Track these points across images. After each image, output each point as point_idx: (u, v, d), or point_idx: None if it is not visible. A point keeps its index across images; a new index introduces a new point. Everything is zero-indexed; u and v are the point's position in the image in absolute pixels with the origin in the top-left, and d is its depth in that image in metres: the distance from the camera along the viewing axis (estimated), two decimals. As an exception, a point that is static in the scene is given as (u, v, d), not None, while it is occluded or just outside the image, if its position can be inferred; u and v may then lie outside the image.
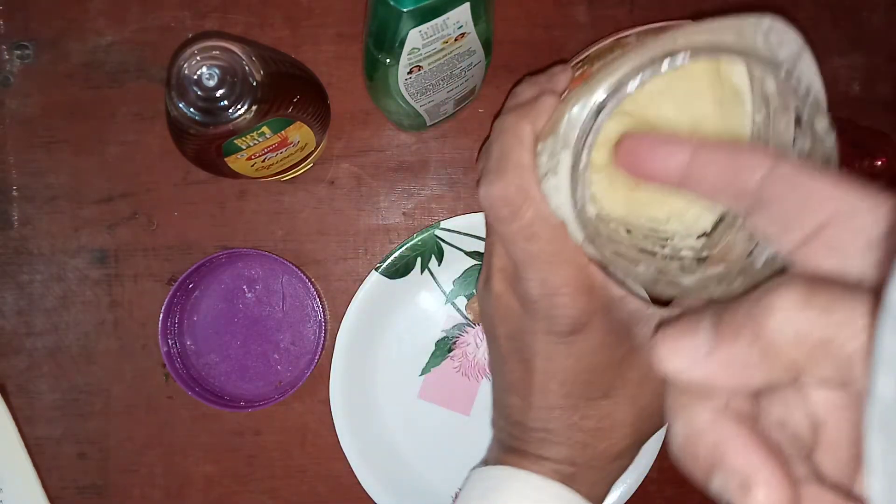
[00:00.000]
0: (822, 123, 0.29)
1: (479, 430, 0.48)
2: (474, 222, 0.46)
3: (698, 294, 0.31)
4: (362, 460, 0.46)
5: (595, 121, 0.29)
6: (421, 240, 0.46)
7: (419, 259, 0.47)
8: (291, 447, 0.48)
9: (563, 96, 0.34)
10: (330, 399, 0.46)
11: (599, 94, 0.29)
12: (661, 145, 0.25)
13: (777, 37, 0.30)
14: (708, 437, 0.19)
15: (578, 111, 0.30)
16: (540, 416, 0.34)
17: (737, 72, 0.35)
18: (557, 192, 0.32)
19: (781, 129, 0.32)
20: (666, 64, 0.28)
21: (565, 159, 0.32)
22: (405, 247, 0.46)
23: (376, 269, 0.46)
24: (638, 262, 0.33)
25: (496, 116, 0.36)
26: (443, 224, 0.46)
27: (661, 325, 0.26)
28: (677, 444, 0.20)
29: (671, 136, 0.25)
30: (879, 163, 0.44)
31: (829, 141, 0.29)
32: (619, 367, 0.34)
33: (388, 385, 0.48)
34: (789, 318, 0.17)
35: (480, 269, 0.46)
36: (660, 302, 0.34)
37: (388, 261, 0.46)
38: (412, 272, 0.47)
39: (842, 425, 0.19)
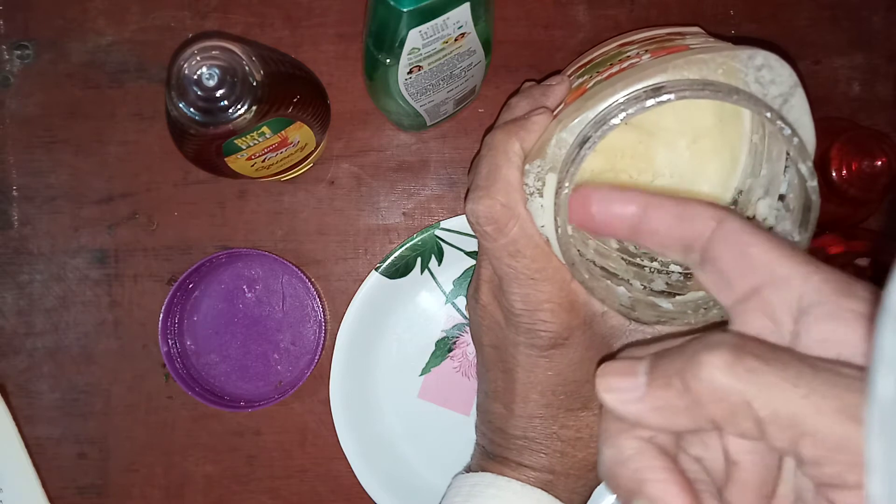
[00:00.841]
0: (805, 167, 0.29)
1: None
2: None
3: (675, 319, 0.32)
4: (362, 460, 0.46)
5: (579, 151, 0.30)
6: (421, 240, 0.46)
7: (419, 259, 0.47)
8: (291, 447, 0.48)
9: (556, 112, 0.35)
10: (330, 398, 0.46)
11: (583, 120, 0.30)
12: (613, 199, 0.26)
13: (769, 74, 0.30)
14: (631, 465, 0.21)
15: (566, 137, 0.31)
16: (520, 425, 0.35)
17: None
18: (542, 212, 0.33)
19: (774, 155, 0.32)
20: (652, 102, 0.28)
21: (551, 182, 0.32)
22: (405, 247, 0.46)
23: (376, 269, 0.46)
24: (621, 280, 0.33)
25: (489, 129, 0.37)
26: (443, 224, 0.46)
27: (605, 359, 0.29)
28: (605, 467, 0.22)
29: (623, 190, 0.26)
30: (879, 163, 0.44)
31: (812, 183, 0.29)
32: None
33: (388, 385, 0.48)
34: (715, 377, 0.19)
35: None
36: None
37: (388, 261, 0.46)
38: (412, 272, 0.47)
39: (753, 468, 0.22)
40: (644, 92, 0.29)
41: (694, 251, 0.24)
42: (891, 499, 0.15)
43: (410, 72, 0.37)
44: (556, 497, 0.34)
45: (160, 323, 0.45)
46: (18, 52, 0.49)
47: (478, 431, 0.39)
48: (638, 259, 0.34)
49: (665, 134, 0.35)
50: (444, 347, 0.48)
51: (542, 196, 0.33)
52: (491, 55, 0.41)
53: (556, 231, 0.31)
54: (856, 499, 0.18)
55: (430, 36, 0.34)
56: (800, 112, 0.31)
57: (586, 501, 0.36)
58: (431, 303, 0.48)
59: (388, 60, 0.35)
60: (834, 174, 0.45)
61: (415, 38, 0.33)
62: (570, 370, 0.34)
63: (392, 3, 0.31)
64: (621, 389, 0.21)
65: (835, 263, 0.43)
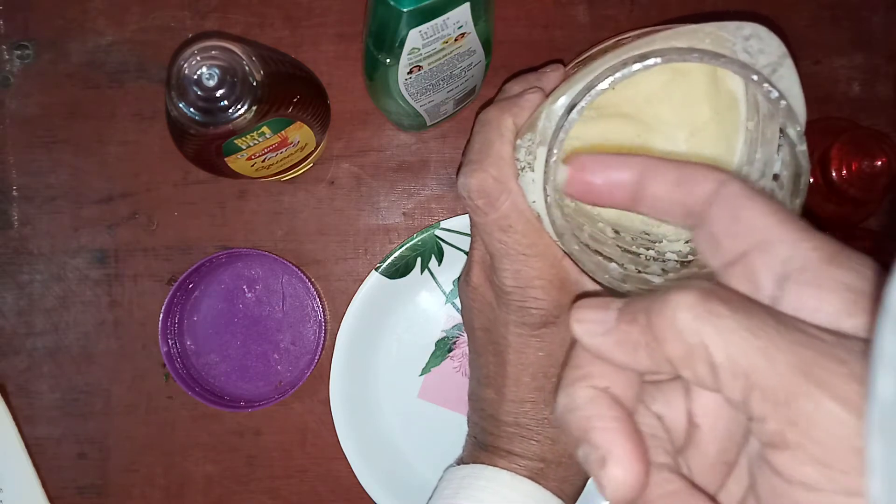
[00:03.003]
0: (794, 131, 0.29)
1: None
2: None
3: None
4: (362, 460, 0.46)
5: (567, 118, 0.30)
6: (421, 240, 0.46)
7: (419, 259, 0.47)
8: (291, 447, 0.48)
9: (549, 94, 0.35)
10: (330, 398, 0.46)
11: (573, 92, 0.30)
12: (610, 164, 0.25)
13: (758, 43, 0.30)
14: (582, 412, 0.21)
15: (556, 109, 0.31)
16: (511, 410, 0.35)
17: (733, 79, 0.35)
18: (534, 186, 0.33)
19: (769, 136, 0.32)
20: (638, 66, 0.28)
21: (541, 155, 0.32)
22: (405, 247, 0.46)
23: (376, 269, 0.46)
24: (613, 260, 0.33)
25: (482, 107, 0.37)
26: (443, 224, 0.46)
27: (584, 295, 0.29)
28: (557, 412, 0.22)
29: (620, 155, 0.25)
30: (879, 163, 0.44)
31: (801, 147, 0.29)
32: None
33: (388, 385, 0.48)
34: (677, 315, 0.19)
35: None
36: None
37: (388, 261, 0.46)
38: (412, 272, 0.47)
39: (715, 433, 0.21)
40: (631, 58, 0.29)
41: (694, 215, 0.23)
42: (891, 499, 0.15)
43: (410, 72, 0.37)
44: (547, 485, 0.34)
45: (160, 323, 0.45)
46: (18, 52, 0.49)
47: (469, 422, 0.39)
48: (633, 247, 0.34)
49: (664, 127, 0.36)
50: (444, 347, 0.48)
51: (533, 170, 0.33)
52: (491, 55, 0.41)
53: (546, 200, 0.31)
54: (791, 460, 0.18)
55: (430, 36, 0.34)
56: (789, 82, 0.31)
57: (578, 490, 0.36)
58: (431, 303, 0.48)
59: (388, 60, 0.35)
60: (834, 174, 0.45)
61: (415, 38, 0.33)
62: (561, 350, 0.34)
63: (392, 3, 0.31)
64: (592, 321, 0.21)
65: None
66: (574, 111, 0.30)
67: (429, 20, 0.32)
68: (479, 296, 0.36)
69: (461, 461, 0.37)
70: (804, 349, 0.18)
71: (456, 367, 0.48)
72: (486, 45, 0.38)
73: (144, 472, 0.48)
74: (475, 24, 0.35)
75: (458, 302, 0.48)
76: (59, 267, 0.49)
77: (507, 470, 0.34)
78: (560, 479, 0.35)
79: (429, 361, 0.48)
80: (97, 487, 0.48)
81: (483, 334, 0.36)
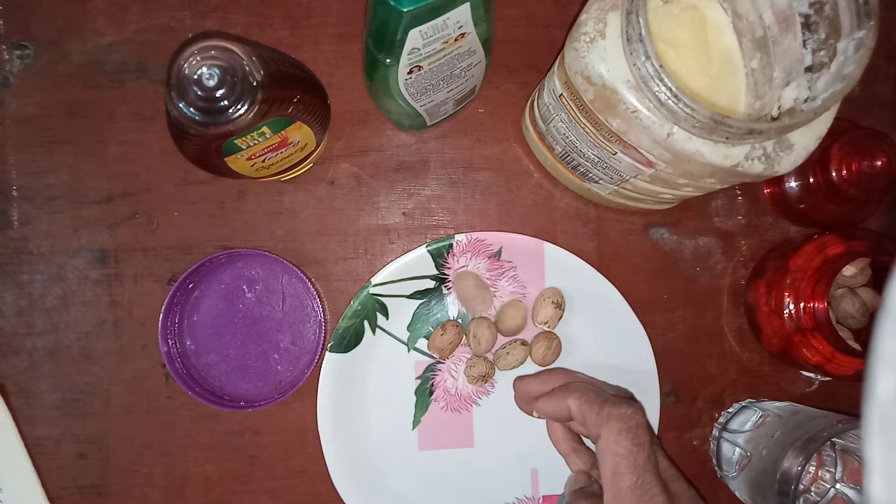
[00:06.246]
0: None
1: (489, 455, 0.48)
2: (403, 265, 0.46)
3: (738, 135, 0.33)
4: None
5: None
6: (359, 304, 0.46)
7: (366, 322, 0.47)
8: (291, 447, 0.48)
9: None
10: (332, 479, 0.46)
11: None
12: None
13: None
14: (555, 436, 0.46)
15: None
16: None
17: (724, 34, 0.39)
18: (606, 54, 0.34)
19: (787, 45, 0.36)
20: None
21: (613, 21, 0.34)
22: (346, 317, 0.46)
23: (329, 349, 0.46)
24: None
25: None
26: (373, 280, 0.46)
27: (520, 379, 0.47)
28: (551, 439, 0.46)
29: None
30: (879, 163, 0.44)
31: None
32: None
33: (386, 450, 0.47)
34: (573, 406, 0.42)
35: (428, 306, 0.47)
36: None
37: (336, 336, 0.46)
38: (364, 337, 0.47)
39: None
40: None
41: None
42: (891, 499, 0.14)
43: (410, 72, 0.37)
44: None
45: (160, 323, 0.45)
46: (18, 52, 0.49)
47: None
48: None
49: (690, 55, 0.39)
50: (425, 393, 0.48)
51: (604, 38, 0.34)
52: (491, 55, 0.41)
53: (630, 45, 0.33)
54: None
55: (430, 36, 0.34)
56: None
57: None
58: (395, 357, 0.47)
59: (388, 60, 0.35)
60: (834, 174, 0.45)
61: (415, 38, 0.33)
62: None
63: (392, 3, 0.31)
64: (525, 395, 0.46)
65: (836, 264, 0.43)
66: None
67: (429, 20, 0.32)
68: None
69: None
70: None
71: (443, 407, 0.48)
72: (486, 45, 0.38)
73: (144, 472, 0.48)
74: (475, 24, 0.35)
75: (419, 345, 0.48)
76: (59, 267, 0.49)
77: None
78: None
79: (416, 413, 0.48)
80: (97, 487, 0.48)
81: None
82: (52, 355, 0.48)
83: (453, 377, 0.48)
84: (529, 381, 0.45)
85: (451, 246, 0.46)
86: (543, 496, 0.48)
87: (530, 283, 0.48)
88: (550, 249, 0.47)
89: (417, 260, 0.46)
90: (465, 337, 0.47)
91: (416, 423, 0.48)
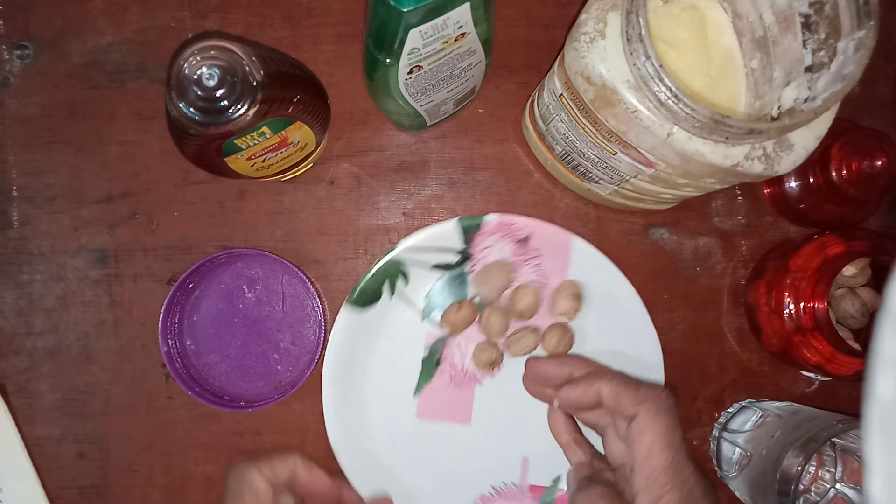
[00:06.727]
0: None
1: (483, 435, 0.48)
2: (432, 235, 0.46)
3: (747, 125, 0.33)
4: (367, 485, 0.46)
5: None
6: (383, 265, 0.46)
7: (386, 283, 0.47)
8: (291, 447, 0.48)
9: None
10: (330, 441, 0.46)
11: None
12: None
13: None
14: (555, 426, 0.46)
15: None
16: None
17: (724, 34, 0.39)
18: (606, 54, 0.34)
19: (787, 45, 0.36)
20: None
21: (613, 20, 0.34)
22: (369, 275, 0.46)
23: (346, 302, 0.46)
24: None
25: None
26: (401, 244, 0.46)
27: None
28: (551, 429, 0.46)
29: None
30: (879, 163, 0.44)
31: None
32: None
33: (385, 412, 0.47)
34: (605, 391, 0.41)
35: (449, 281, 0.47)
36: None
37: (356, 291, 0.46)
38: (382, 298, 0.47)
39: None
40: None
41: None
42: (891, 499, 0.14)
43: (410, 72, 0.37)
44: None
45: (160, 323, 0.45)
46: (18, 52, 0.49)
47: None
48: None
49: (690, 55, 0.39)
50: (431, 363, 0.48)
51: (604, 38, 0.33)
52: (491, 55, 0.41)
53: (630, 44, 0.33)
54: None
55: (430, 36, 0.34)
56: None
57: None
58: (409, 323, 0.47)
59: (388, 60, 0.35)
60: (834, 174, 0.45)
61: (415, 38, 0.33)
62: None
63: (392, 3, 0.31)
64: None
65: (836, 264, 0.43)
66: None
67: (429, 20, 0.32)
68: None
69: None
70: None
71: (447, 381, 0.48)
72: (486, 45, 0.38)
73: (144, 472, 0.48)
74: (475, 25, 0.35)
75: (434, 316, 0.48)
76: (59, 267, 0.49)
77: None
78: None
79: (419, 381, 0.48)
80: (97, 487, 0.48)
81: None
82: (52, 355, 0.48)
83: (462, 354, 0.48)
84: (545, 363, 0.45)
85: (481, 224, 0.46)
86: (530, 485, 0.48)
87: (552, 273, 0.48)
88: (578, 243, 0.47)
89: (447, 231, 0.46)
90: (478, 317, 0.48)
91: (418, 390, 0.48)
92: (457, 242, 0.47)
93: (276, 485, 0.39)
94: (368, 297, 0.46)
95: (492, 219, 0.46)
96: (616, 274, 0.46)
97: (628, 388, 0.40)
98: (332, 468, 0.48)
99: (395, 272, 0.46)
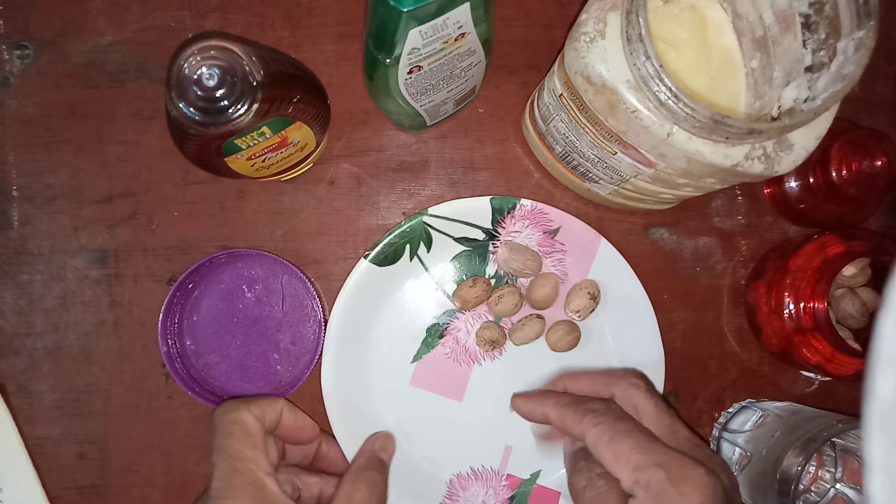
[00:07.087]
0: None
1: (472, 415, 0.48)
2: (462, 208, 0.46)
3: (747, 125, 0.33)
4: (356, 448, 0.46)
5: None
6: (409, 226, 0.46)
7: (408, 246, 0.47)
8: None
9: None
10: (322, 387, 0.46)
11: None
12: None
13: None
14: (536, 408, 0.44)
15: None
16: None
17: (724, 34, 0.40)
18: (606, 54, 0.34)
19: (787, 45, 0.37)
20: None
21: (613, 20, 0.34)
22: (394, 234, 0.46)
23: (365, 257, 0.46)
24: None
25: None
26: (431, 210, 0.46)
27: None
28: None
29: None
30: (879, 163, 0.44)
31: None
32: None
33: (380, 372, 0.48)
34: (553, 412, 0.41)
35: (470, 256, 0.48)
36: None
37: (378, 248, 0.46)
38: (401, 259, 0.47)
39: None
40: None
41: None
42: (891, 499, 0.14)
43: (410, 72, 0.37)
44: None
45: (160, 323, 0.45)
46: (18, 52, 0.49)
47: None
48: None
49: (690, 55, 0.40)
50: (435, 334, 0.48)
51: (604, 38, 0.34)
52: (491, 55, 0.41)
53: (630, 44, 0.33)
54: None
55: (430, 36, 0.34)
56: None
57: None
58: (421, 289, 0.48)
59: (388, 60, 0.35)
60: (834, 174, 0.45)
61: (415, 38, 0.33)
62: None
63: (392, 3, 0.31)
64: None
65: (836, 264, 0.43)
66: None
67: (429, 20, 0.32)
68: None
69: None
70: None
71: (447, 354, 0.48)
72: (486, 45, 0.38)
73: (144, 472, 0.48)
74: (475, 25, 0.35)
75: (448, 288, 0.48)
76: (59, 267, 0.49)
77: None
78: None
79: (420, 348, 0.48)
80: (97, 487, 0.48)
81: None
82: (52, 355, 0.48)
83: (468, 331, 0.48)
84: (523, 402, 0.44)
85: (514, 207, 0.47)
86: (508, 474, 0.48)
87: (574, 270, 0.48)
88: (605, 246, 0.47)
89: (478, 207, 0.47)
90: (490, 297, 0.48)
91: (416, 357, 0.48)
92: (486, 221, 0.47)
93: (263, 426, 0.39)
94: (389, 257, 0.47)
95: (526, 203, 0.46)
96: (634, 282, 0.47)
97: (603, 375, 0.42)
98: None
99: (419, 236, 0.47)
